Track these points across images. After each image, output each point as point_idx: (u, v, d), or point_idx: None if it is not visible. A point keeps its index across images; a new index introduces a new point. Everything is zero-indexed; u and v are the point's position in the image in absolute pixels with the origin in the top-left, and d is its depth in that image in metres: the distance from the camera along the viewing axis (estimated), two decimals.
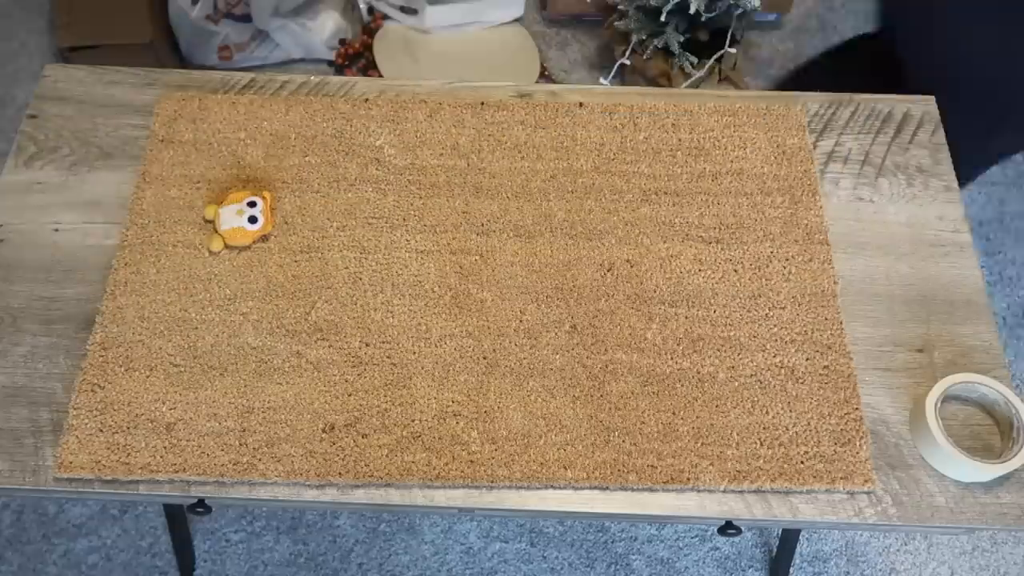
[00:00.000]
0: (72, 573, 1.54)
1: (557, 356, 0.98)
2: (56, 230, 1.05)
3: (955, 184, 1.12)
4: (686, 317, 1.00)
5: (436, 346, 0.98)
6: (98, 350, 0.96)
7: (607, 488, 0.91)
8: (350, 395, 0.95)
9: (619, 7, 2.06)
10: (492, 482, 0.91)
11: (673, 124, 1.15)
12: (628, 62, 2.06)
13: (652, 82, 2.03)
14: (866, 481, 0.91)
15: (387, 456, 0.91)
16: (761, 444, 0.93)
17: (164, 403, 0.94)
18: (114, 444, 0.91)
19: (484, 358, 0.97)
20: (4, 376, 0.96)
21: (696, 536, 1.60)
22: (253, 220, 1.03)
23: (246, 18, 2.07)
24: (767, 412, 0.95)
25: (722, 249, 1.05)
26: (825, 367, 0.98)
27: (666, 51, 2.02)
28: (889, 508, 0.91)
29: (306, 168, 1.10)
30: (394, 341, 0.98)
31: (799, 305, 1.02)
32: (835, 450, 0.93)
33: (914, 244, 1.07)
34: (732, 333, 1.00)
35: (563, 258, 1.04)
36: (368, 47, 2.14)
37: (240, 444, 0.92)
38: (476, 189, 1.09)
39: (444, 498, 0.91)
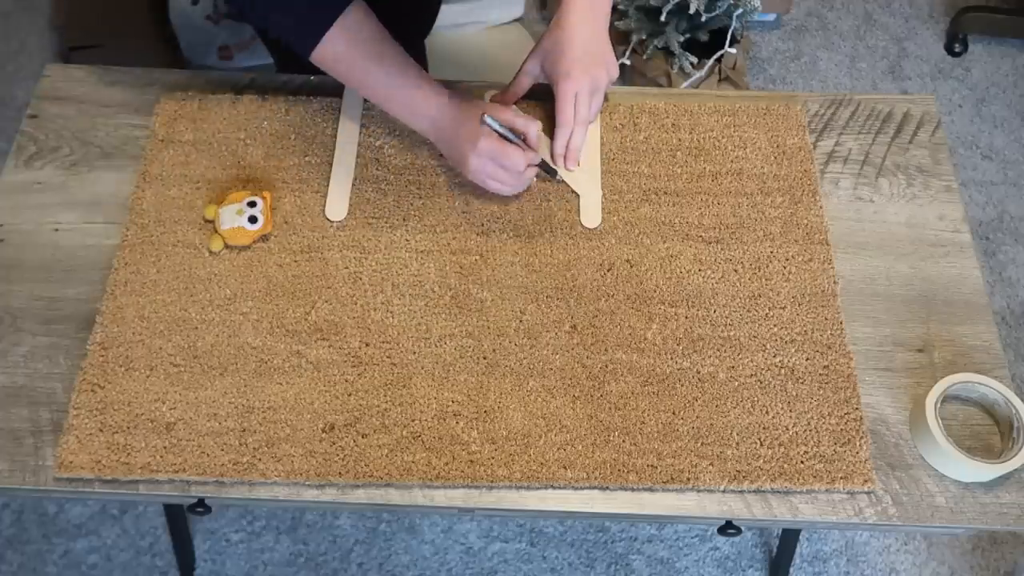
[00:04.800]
0: (72, 573, 1.54)
1: (557, 356, 0.98)
2: (56, 230, 1.05)
3: (955, 184, 1.12)
4: (686, 317, 1.00)
5: (436, 346, 0.98)
6: (98, 350, 0.96)
7: (607, 488, 0.91)
8: (350, 395, 0.95)
9: (619, 7, 2.06)
10: (492, 482, 0.91)
11: (673, 124, 1.15)
12: (628, 62, 2.06)
13: (652, 82, 2.03)
14: (866, 481, 0.91)
15: (387, 456, 0.91)
16: (761, 444, 0.93)
17: (164, 403, 0.94)
18: (114, 444, 0.91)
19: (484, 358, 0.97)
20: (4, 376, 0.96)
21: (696, 536, 1.60)
22: (253, 220, 1.03)
23: None
24: (767, 412, 0.95)
25: (722, 249, 1.05)
26: (825, 367, 0.98)
27: (666, 51, 2.02)
28: (889, 508, 0.91)
29: (306, 168, 1.10)
30: (394, 341, 0.98)
31: (799, 305, 1.02)
32: (835, 450, 0.93)
33: (914, 244, 1.07)
34: (732, 333, 1.00)
35: (563, 258, 1.04)
36: None
37: (240, 444, 0.92)
38: (476, 189, 1.09)
39: (444, 498, 0.91)
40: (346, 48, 1.00)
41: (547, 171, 1.08)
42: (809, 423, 0.94)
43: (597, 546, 1.58)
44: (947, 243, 1.08)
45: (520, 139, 1.04)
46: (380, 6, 1.26)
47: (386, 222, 1.07)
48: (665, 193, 1.09)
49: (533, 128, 1.03)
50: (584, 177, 1.10)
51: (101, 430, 0.92)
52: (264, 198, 1.05)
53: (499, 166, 1.02)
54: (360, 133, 1.13)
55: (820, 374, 0.97)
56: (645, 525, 1.59)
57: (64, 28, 2.10)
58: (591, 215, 1.07)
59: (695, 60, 1.98)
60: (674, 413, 0.94)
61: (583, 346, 0.98)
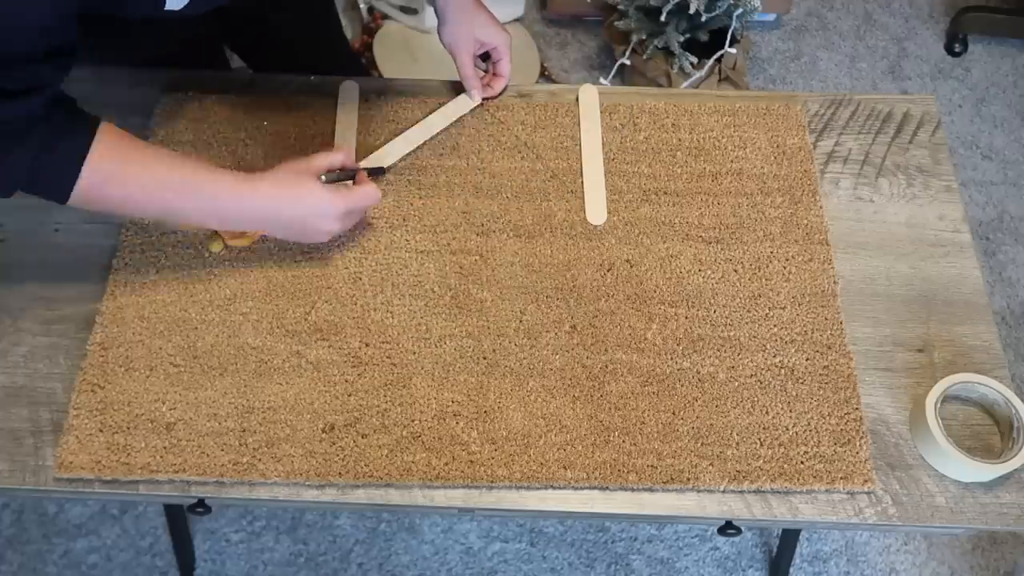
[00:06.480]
0: (72, 573, 1.54)
1: (557, 356, 0.98)
2: (56, 230, 1.05)
3: (955, 184, 1.12)
4: (686, 317, 1.00)
5: (436, 346, 0.98)
6: (98, 350, 0.96)
7: (607, 488, 0.91)
8: (350, 395, 0.95)
9: (619, 7, 2.06)
10: (492, 482, 0.91)
11: (673, 124, 1.15)
12: (628, 62, 2.06)
13: (652, 82, 2.03)
14: (866, 481, 0.91)
15: (387, 456, 0.91)
16: (761, 444, 0.93)
17: (164, 403, 0.94)
18: (114, 444, 0.91)
19: (484, 358, 0.97)
20: (4, 376, 0.96)
21: (696, 536, 1.60)
22: None
23: None
24: (767, 412, 0.95)
25: (722, 249, 1.05)
26: (825, 367, 0.98)
27: (666, 51, 2.02)
28: (889, 508, 0.91)
29: None
30: (394, 341, 0.98)
31: (799, 305, 1.02)
32: (835, 450, 0.93)
33: (914, 244, 1.07)
34: (732, 333, 1.00)
35: (563, 258, 1.04)
36: (368, 47, 2.14)
37: (240, 444, 0.92)
38: (476, 189, 1.09)
39: (444, 498, 0.91)
40: (117, 163, 0.88)
41: (375, 172, 1.06)
42: (809, 423, 0.94)
43: (597, 546, 1.58)
44: (947, 243, 1.08)
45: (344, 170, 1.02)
46: (295, 58, 1.26)
47: (386, 222, 1.07)
48: (665, 193, 1.10)
49: (348, 156, 1.02)
50: (589, 173, 1.10)
51: (101, 430, 0.92)
52: None
53: (359, 214, 1.01)
54: (359, 133, 1.13)
55: (820, 374, 0.97)
56: (645, 525, 1.59)
57: None
58: (596, 211, 1.07)
59: (695, 60, 1.98)
60: (674, 413, 0.94)
61: (583, 346, 0.98)
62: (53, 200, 0.88)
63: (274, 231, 0.99)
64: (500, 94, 1.17)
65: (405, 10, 2.14)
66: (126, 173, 0.89)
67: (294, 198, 0.95)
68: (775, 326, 1.00)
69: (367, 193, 1.00)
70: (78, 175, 0.86)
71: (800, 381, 0.97)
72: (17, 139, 0.83)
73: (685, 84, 1.99)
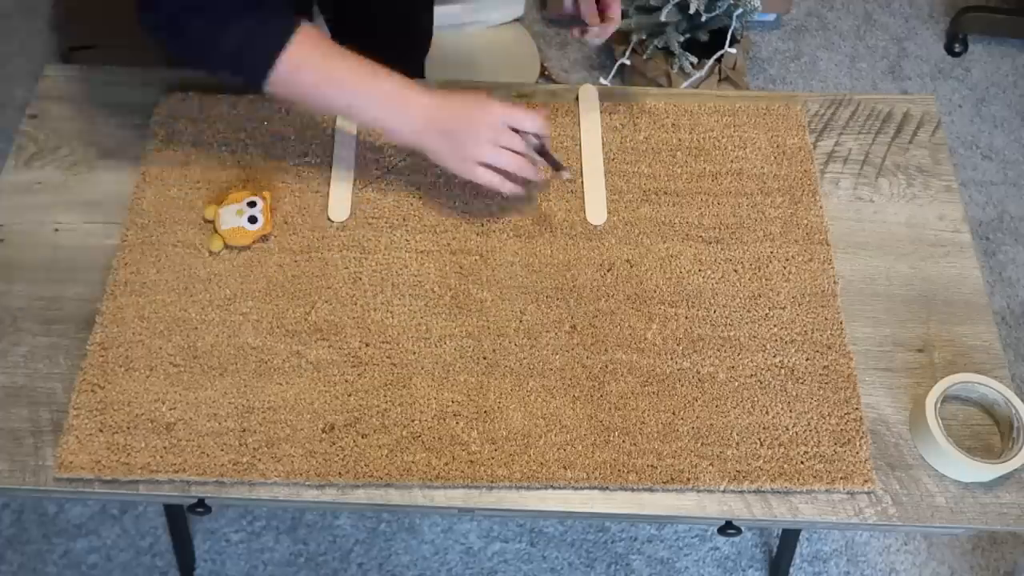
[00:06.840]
0: (72, 573, 1.53)
1: (557, 356, 0.98)
2: (56, 230, 1.05)
3: (955, 184, 1.12)
4: (686, 317, 1.00)
5: (436, 346, 0.98)
6: (98, 350, 0.96)
7: (607, 488, 0.91)
8: (350, 395, 0.95)
9: None
10: (492, 482, 0.91)
11: (673, 124, 1.15)
12: (628, 62, 2.06)
13: (652, 82, 2.03)
14: (866, 481, 0.91)
15: (387, 456, 0.91)
16: (761, 444, 0.93)
17: (164, 403, 0.94)
18: (114, 444, 0.91)
19: (484, 358, 0.97)
20: (4, 376, 0.96)
21: (696, 536, 1.60)
22: (253, 220, 1.03)
23: None
24: (767, 412, 0.95)
25: (722, 249, 1.05)
26: (825, 367, 0.98)
27: (666, 51, 2.02)
28: (889, 508, 0.91)
29: (306, 168, 1.10)
30: (394, 341, 0.98)
31: (799, 305, 1.02)
32: (835, 450, 0.93)
33: (914, 244, 1.07)
34: (732, 333, 1.00)
35: (563, 258, 1.04)
36: None
37: (240, 444, 0.92)
38: (476, 189, 1.09)
39: (444, 498, 0.91)
40: (309, 53, 0.96)
41: (555, 166, 1.04)
42: (809, 423, 0.94)
43: (597, 546, 1.58)
44: (947, 243, 1.08)
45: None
46: (377, 35, 1.26)
47: (386, 222, 1.07)
48: (665, 193, 1.10)
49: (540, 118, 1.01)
50: (589, 173, 1.10)
51: (101, 430, 0.92)
52: (264, 198, 1.05)
53: (514, 136, 0.99)
54: (359, 133, 1.13)
55: (820, 374, 0.97)
56: (645, 525, 1.59)
57: (64, 28, 2.10)
58: (596, 211, 1.07)
59: (695, 60, 1.98)
60: (674, 413, 0.94)
61: (583, 346, 0.98)
62: (251, 80, 0.96)
63: (434, 133, 0.99)
64: (607, 38, 1.14)
65: None
66: (318, 63, 0.96)
67: (460, 102, 0.99)
68: (775, 326, 1.00)
69: (527, 114, 0.99)
70: (280, 55, 0.94)
71: (800, 381, 0.97)
72: (235, 16, 0.93)
73: (685, 84, 1.99)
